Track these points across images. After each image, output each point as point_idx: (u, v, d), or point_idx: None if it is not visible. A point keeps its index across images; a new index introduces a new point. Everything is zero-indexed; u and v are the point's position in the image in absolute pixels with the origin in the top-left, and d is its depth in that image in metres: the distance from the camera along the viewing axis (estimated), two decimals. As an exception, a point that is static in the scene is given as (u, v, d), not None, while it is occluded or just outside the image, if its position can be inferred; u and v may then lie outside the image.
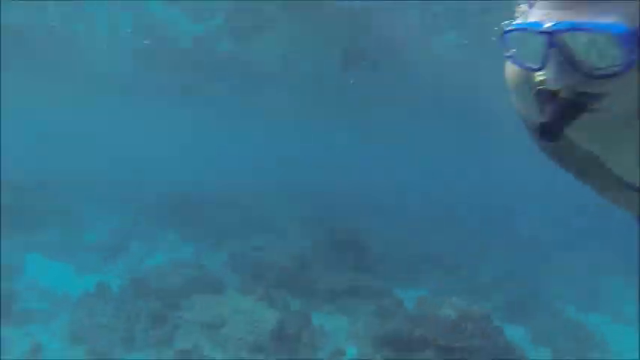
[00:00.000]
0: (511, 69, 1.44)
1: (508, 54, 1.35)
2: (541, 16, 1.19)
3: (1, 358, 8.81)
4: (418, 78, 20.13)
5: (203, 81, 23.86)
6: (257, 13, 12.78)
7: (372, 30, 13.88)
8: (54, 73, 23.77)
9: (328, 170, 61.06)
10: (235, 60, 19.15)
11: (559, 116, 1.19)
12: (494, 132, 29.95)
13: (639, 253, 18.57)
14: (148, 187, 27.24)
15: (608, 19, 1.06)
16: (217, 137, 51.30)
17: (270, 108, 29.94)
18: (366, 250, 15.91)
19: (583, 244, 23.35)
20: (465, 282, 16.58)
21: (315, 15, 12.85)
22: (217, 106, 30.69)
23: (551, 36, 1.12)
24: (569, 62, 1.15)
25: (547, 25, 1.14)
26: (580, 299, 16.63)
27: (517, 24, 1.29)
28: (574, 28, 1.09)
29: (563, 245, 23.08)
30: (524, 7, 1.36)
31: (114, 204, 22.80)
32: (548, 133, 1.22)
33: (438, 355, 8.72)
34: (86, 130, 51.51)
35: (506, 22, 1.35)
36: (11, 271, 12.89)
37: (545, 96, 1.25)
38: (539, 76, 1.27)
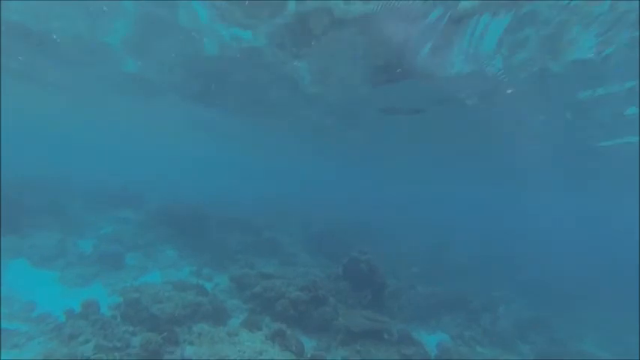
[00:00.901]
0: None
1: None
2: None
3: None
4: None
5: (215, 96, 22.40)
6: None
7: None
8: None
9: (342, 199, 59.76)
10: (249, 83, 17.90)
11: None
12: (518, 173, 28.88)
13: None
14: (150, 197, 25.64)
15: None
16: (227, 152, 50.01)
17: (285, 131, 28.57)
18: (382, 286, 14.19)
19: (598, 293, 21.80)
20: (484, 327, 14.86)
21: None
22: (232, 124, 29.31)
23: None
24: None
25: None
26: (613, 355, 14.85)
27: None
28: None
29: (581, 292, 21.49)
30: None
31: (112, 211, 21.14)
32: None
33: None
34: (88, 134, 50.18)
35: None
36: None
37: None
38: None
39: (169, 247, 18.18)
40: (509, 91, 12.89)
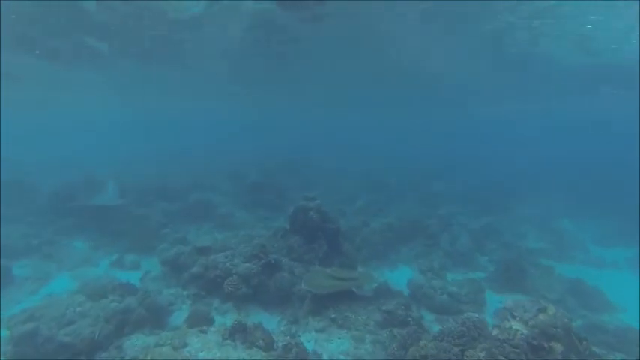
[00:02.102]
0: None
1: None
2: None
3: None
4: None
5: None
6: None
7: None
8: None
9: (265, 144, 56.06)
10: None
11: None
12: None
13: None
14: (39, 182, 20.55)
15: None
16: (127, 112, 43.29)
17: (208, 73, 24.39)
18: (337, 232, 12.47)
19: (537, 191, 22.85)
20: (445, 249, 14.14)
21: None
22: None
23: None
24: None
25: None
26: (557, 252, 15.18)
27: None
28: None
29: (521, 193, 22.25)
30: None
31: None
32: None
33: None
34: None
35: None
36: None
37: None
38: None
39: (77, 237, 14.61)
40: None
